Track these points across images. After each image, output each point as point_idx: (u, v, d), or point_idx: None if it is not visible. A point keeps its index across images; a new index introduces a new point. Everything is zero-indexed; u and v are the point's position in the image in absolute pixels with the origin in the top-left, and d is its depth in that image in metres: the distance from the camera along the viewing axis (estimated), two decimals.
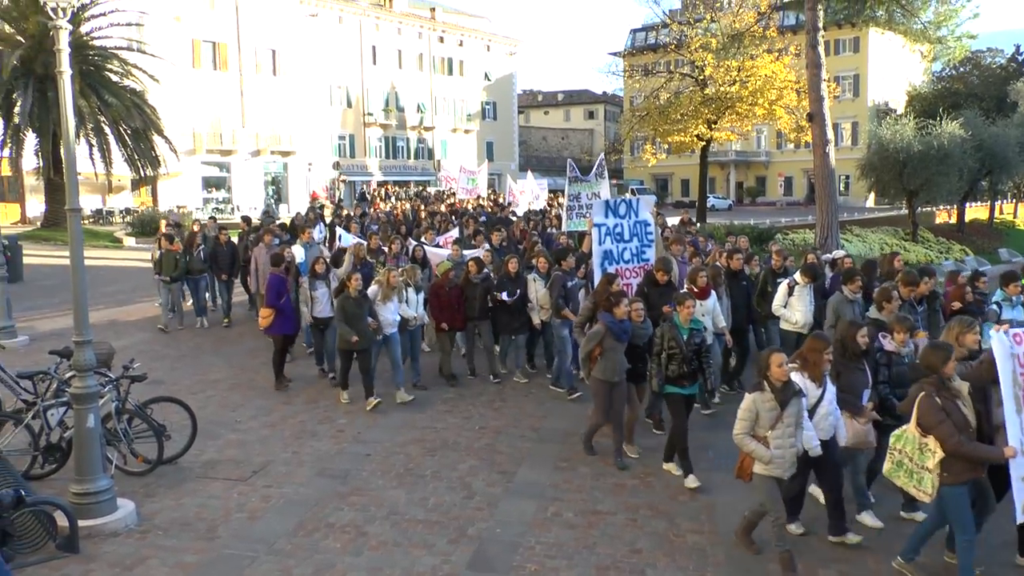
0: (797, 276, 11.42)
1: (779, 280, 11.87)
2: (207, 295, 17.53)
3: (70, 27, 6.88)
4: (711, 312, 10.57)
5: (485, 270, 12.60)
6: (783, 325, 11.46)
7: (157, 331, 16.11)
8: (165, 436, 8.73)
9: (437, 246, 15.57)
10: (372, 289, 11.36)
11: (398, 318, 11.43)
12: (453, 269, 12.64)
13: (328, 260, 13.20)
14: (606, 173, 17.16)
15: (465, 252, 14.21)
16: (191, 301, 17.26)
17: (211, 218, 20.77)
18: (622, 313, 8.81)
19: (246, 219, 19.52)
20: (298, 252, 14.27)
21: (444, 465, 9.12)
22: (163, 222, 19.61)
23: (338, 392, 11.63)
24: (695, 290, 10.28)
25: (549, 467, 9.07)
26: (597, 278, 11.14)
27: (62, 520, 6.69)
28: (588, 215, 16.30)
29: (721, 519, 7.77)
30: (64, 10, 6.80)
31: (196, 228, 18.48)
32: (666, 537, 7.42)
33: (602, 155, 18.43)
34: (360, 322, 10.77)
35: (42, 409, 8.40)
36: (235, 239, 18.20)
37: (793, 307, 11.24)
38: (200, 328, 16.52)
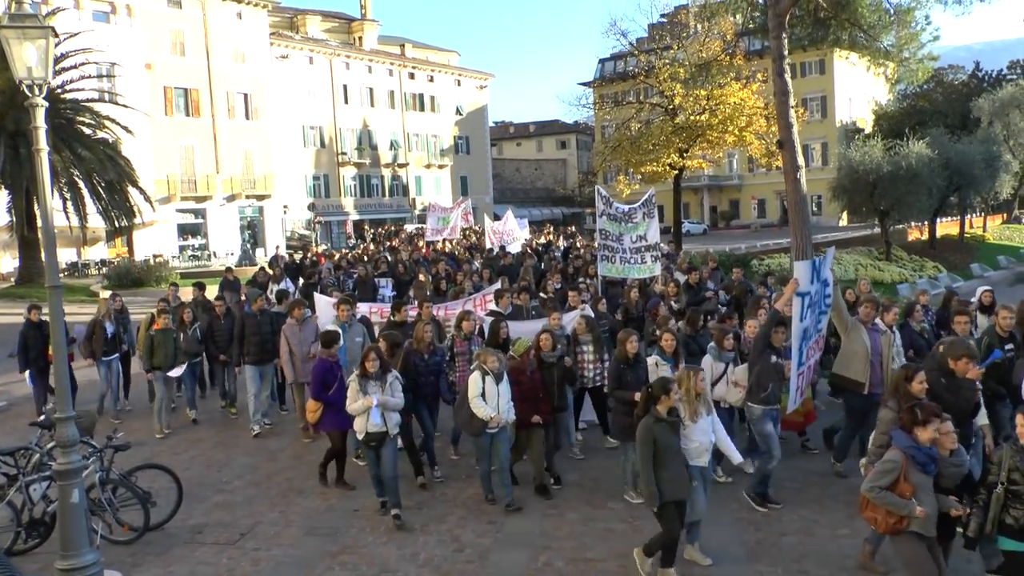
0: None
1: (1008, 348, 9.17)
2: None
3: (46, 104, 6.91)
4: None
5: (559, 347, 10.22)
6: None
7: (135, 390, 15.03)
8: (150, 503, 8.64)
9: (508, 315, 12.22)
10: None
11: (712, 440, 7.81)
12: (533, 347, 10.00)
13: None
14: (655, 211, 15.22)
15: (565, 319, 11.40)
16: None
17: (172, 285, 16.97)
18: (930, 437, 6.04)
19: (200, 285, 16.23)
20: None
21: (432, 518, 9.09)
22: (33, 311, 13.95)
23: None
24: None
25: (538, 514, 9.06)
26: (796, 363, 8.78)
27: None
28: (635, 261, 14.86)
29: (714, 557, 7.77)
30: (40, 87, 6.84)
31: (188, 295, 15.43)
32: None
33: (652, 191, 16.20)
34: (679, 464, 7.25)
35: (24, 484, 8.31)
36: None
37: None
38: (191, 424, 13.60)
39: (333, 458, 10.17)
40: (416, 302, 12.76)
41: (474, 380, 9.11)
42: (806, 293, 8.73)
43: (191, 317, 13.89)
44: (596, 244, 15.73)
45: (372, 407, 8.77)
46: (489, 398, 9.00)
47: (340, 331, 10.94)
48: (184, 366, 13.20)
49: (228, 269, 21.10)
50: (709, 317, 11.86)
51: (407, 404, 9.62)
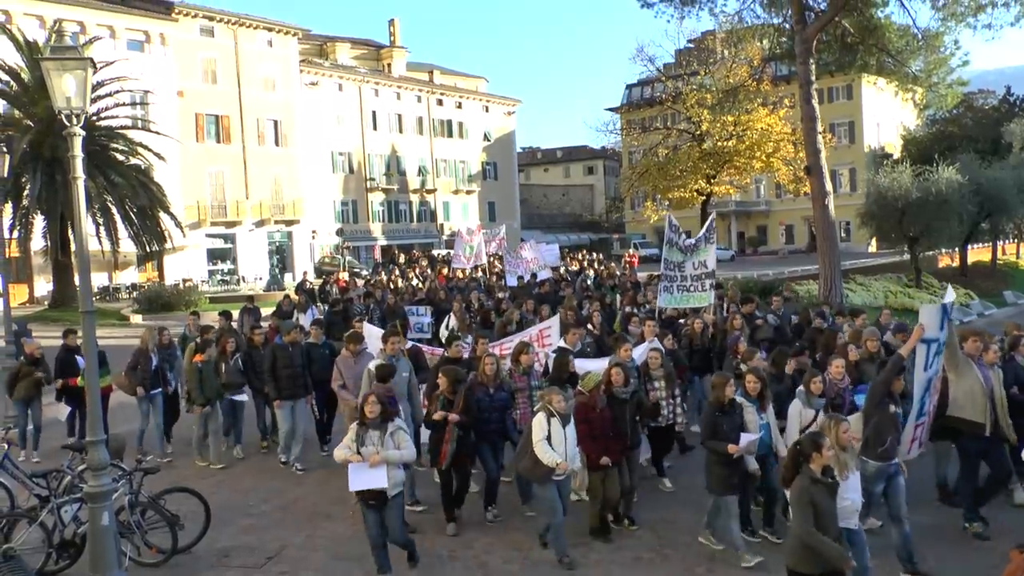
0: None
1: None
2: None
3: (83, 133, 7.06)
4: None
5: (633, 381, 9.52)
6: None
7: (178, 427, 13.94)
8: (179, 526, 8.71)
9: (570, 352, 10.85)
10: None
11: (859, 500, 7.01)
12: (603, 382, 9.12)
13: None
14: (715, 237, 14.87)
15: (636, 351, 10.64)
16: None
17: (192, 313, 16.50)
18: None
19: (226, 314, 15.82)
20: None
21: (459, 544, 9.07)
22: (69, 336, 13.44)
23: None
24: None
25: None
26: (917, 413, 8.46)
27: None
28: (694, 289, 14.38)
29: None
30: (78, 116, 7.00)
31: (222, 322, 14.88)
32: None
33: (713, 215, 16.12)
34: (835, 532, 6.11)
35: (55, 506, 8.40)
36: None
37: None
38: (236, 458, 13.02)
39: None
40: (462, 335, 12.22)
41: (539, 422, 8.30)
42: (933, 340, 8.18)
43: (233, 347, 12.95)
44: (660, 275, 15.23)
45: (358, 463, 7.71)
46: (555, 442, 8.19)
47: (394, 365, 10.10)
48: (245, 391, 12.86)
49: (250, 299, 20.34)
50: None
51: (467, 446, 9.25)
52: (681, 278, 14.50)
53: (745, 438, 8.23)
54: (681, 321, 14.37)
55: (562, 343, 11.48)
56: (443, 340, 14.82)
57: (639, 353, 10.69)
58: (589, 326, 13.65)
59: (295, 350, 12.26)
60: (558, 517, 8.40)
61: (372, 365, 10.25)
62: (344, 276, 32.40)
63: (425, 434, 9.90)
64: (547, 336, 11.99)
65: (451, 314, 16.26)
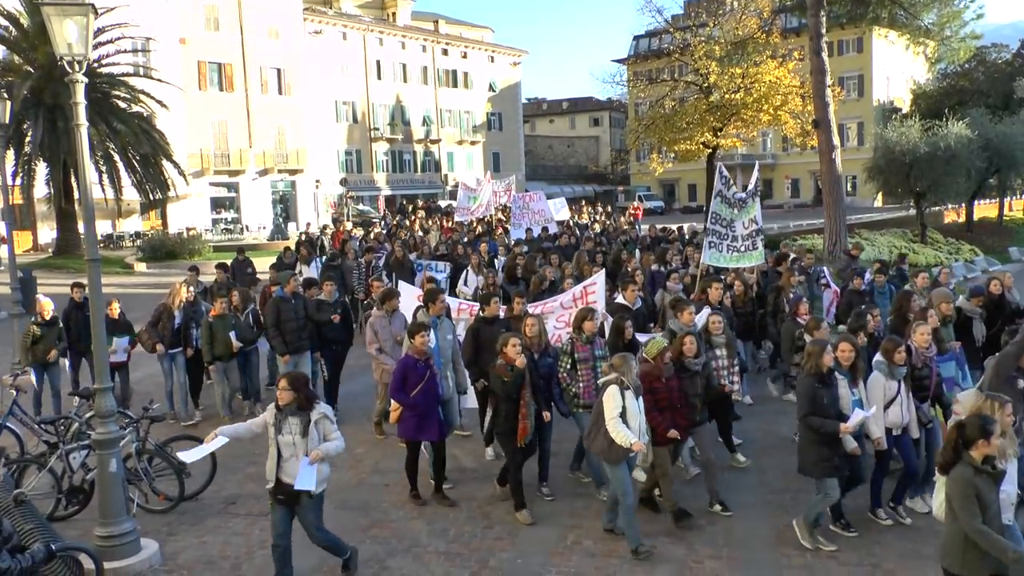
0: None
1: None
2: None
3: (86, 80, 7.00)
4: None
5: (706, 353, 8.89)
6: None
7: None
8: (185, 474, 8.80)
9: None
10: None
11: (1015, 492, 5.94)
12: (670, 348, 8.31)
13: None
14: (759, 188, 13.98)
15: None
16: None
17: (192, 268, 15.39)
18: None
19: (223, 267, 15.23)
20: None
21: (463, 494, 9.16)
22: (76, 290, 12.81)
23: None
24: None
25: (568, 493, 9.10)
26: None
27: (88, 563, 6.76)
28: (745, 248, 13.43)
29: (739, 543, 7.79)
30: (80, 63, 6.92)
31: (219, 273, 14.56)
32: (685, 563, 7.45)
33: (757, 166, 15.10)
34: (999, 529, 5.29)
35: (64, 453, 8.50)
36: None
37: None
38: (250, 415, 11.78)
39: (414, 469, 8.99)
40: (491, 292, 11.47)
41: (612, 397, 7.41)
42: None
43: (238, 302, 12.37)
44: (704, 228, 14.10)
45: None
46: (630, 416, 7.40)
47: (431, 325, 9.23)
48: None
49: (239, 250, 19.47)
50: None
51: (539, 419, 8.50)
52: (732, 237, 13.37)
53: (858, 414, 7.41)
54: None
55: (620, 299, 10.73)
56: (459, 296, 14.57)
57: (699, 318, 9.94)
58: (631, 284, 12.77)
59: (297, 301, 11.88)
60: (629, 499, 7.59)
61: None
62: (347, 226, 32.18)
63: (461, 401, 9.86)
64: (591, 295, 10.86)
65: (468, 269, 15.65)
